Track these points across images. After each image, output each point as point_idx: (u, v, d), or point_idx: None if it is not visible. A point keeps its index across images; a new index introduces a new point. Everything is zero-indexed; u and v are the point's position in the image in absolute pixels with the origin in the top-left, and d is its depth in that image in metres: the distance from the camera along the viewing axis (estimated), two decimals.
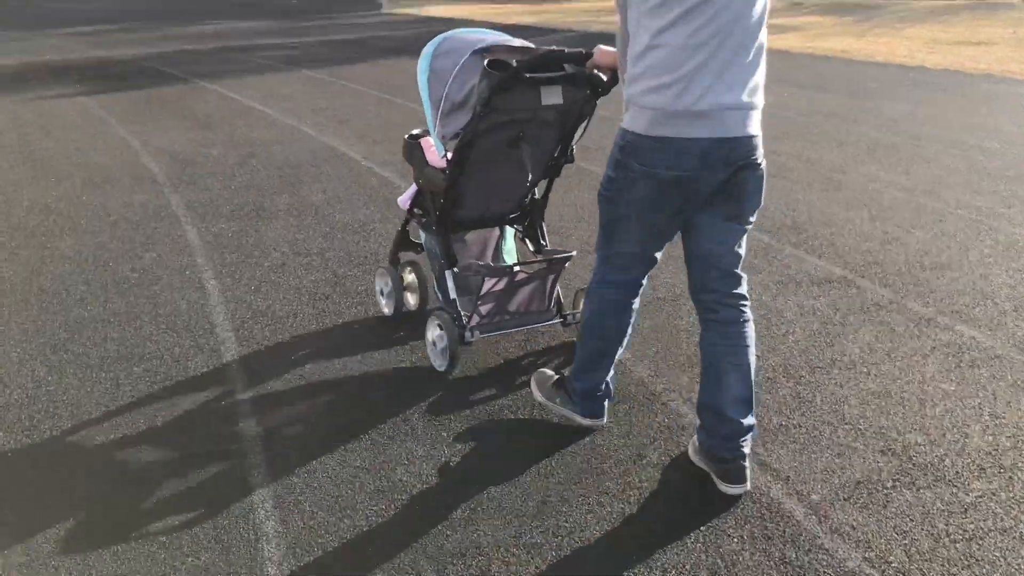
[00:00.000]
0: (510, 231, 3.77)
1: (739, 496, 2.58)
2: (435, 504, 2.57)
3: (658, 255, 2.70)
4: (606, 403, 2.96)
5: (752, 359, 2.65)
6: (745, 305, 2.67)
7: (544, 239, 3.63)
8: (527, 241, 3.67)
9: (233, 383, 3.32)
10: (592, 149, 5.99)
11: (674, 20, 2.37)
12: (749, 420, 2.64)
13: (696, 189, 2.49)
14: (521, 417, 3.07)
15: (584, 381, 2.89)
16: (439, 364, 3.39)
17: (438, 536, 2.42)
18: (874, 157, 6.79)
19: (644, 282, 2.77)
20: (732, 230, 2.59)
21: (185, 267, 4.55)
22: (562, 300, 3.54)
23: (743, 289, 2.67)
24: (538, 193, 3.63)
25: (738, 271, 2.66)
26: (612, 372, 2.91)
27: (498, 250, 3.76)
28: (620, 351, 2.87)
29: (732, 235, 2.60)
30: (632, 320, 2.82)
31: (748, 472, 2.61)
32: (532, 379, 3.14)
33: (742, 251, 2.64)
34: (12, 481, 2.69)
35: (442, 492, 2.63)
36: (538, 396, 3.07)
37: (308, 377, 3.37)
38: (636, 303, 2.79)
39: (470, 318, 3.34)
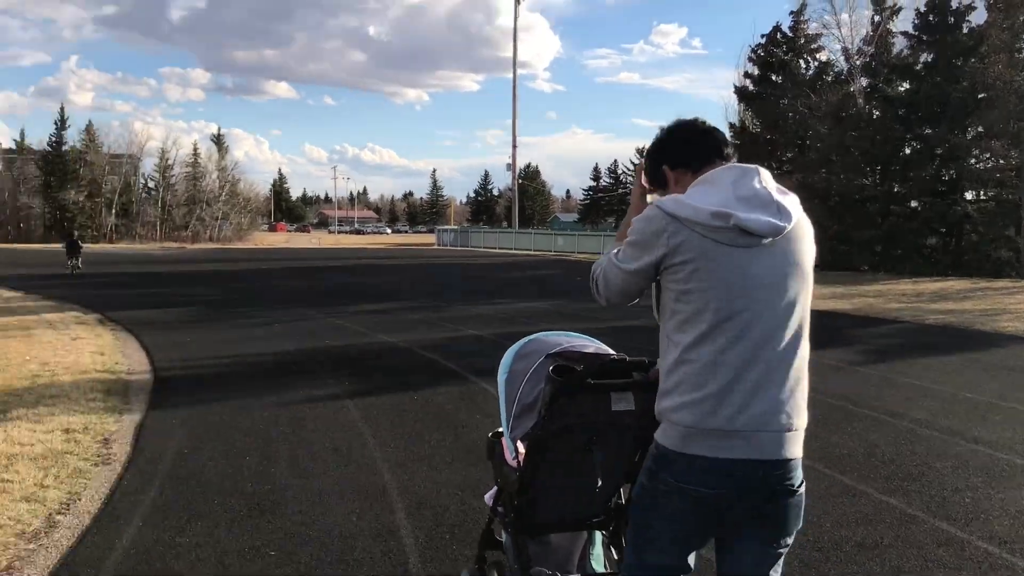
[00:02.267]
0: (599, 536, 3.64)
1: None
2: None
3: (684, 565, 2.58)
4: None
5: None
6: None
7: None
8: (612, 548, 3.56)
9: None
10: None
11: (702, 336, 2.42)
12: None
13: (730, 508, 2.44)
14: None
15: None
16: None
17: None
18: None
19: None
20: (768, 555, 2.55)
21: None
22: None
23: None
24: (623, 497, 3.44)
25: None
26: None
27: (585, 556, 3.63)
28: None
29: (768, 560, 2.55)
30: None
31: None
32: None
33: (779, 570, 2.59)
34: None
35: None
36: None
37: None
38: None
39: None
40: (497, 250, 60.61)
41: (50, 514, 5.37)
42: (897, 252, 32.58)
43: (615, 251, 2.66)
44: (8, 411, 8.08)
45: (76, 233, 38.22)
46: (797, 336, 2.46)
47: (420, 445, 7.07)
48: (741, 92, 42.41)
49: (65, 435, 7.29)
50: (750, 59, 42.32)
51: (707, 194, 2.48)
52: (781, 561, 2.59)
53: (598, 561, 3.66)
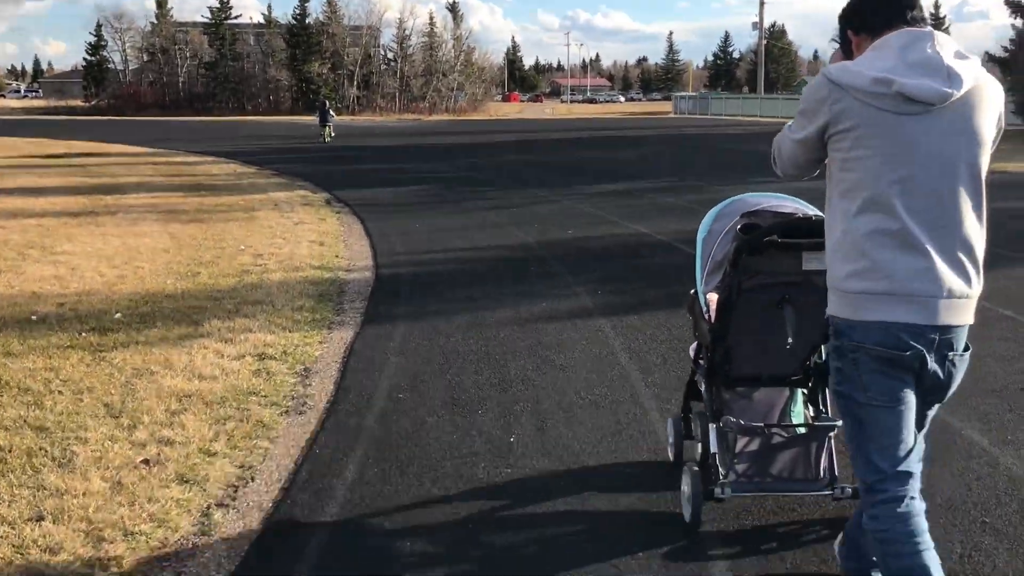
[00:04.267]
0: (799, 393, 3.67)
1: None
2: None
3: (916, 442, 2.58)
4: None
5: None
6: (915, 497, 2.57)
7: (825, 406, 3.56)
8: (808, 405, 3.64)
9: None
10: None
11: (866, 204, 2.44)
12: None
13: (912, 369, 2.48)
14: None
15: None
16: (686, 514, 3.46)
17: None
18: None
19: (917, 496, 2.56)
20: (926, 416, 2.65)
21: None
22: (836, 472, 3.40)
23: (917, 480, 2.58)
24: (822, 356, 3.48)
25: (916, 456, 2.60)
26: None
27: (786, 412, 3.65)
28: None
29: (922, 418, 2.63)
30: (926, 526, 2.54)
31: None
32: None
33: (924, 434, 2.68)
34: None
35: None
36: None
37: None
38: (921, 509, 2.55)
39: (725, 475, 3.37)
40: (740, 117, 56.46)
41: (207, 507, 3.81)
42: None
43: (790, 123, 2.67)
44: (201, 323, 6.73)
45: (328, 102, 37.71)
46: (966, 204, 2.45)
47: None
48: None
49: (258, 363, 5.81)
50: None
51: (875, 60, 2.48)
52: (927, 426, 2.69)
53: (798, 417, 3.67)
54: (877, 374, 2.48)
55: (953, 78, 2.42)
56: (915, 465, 2.57)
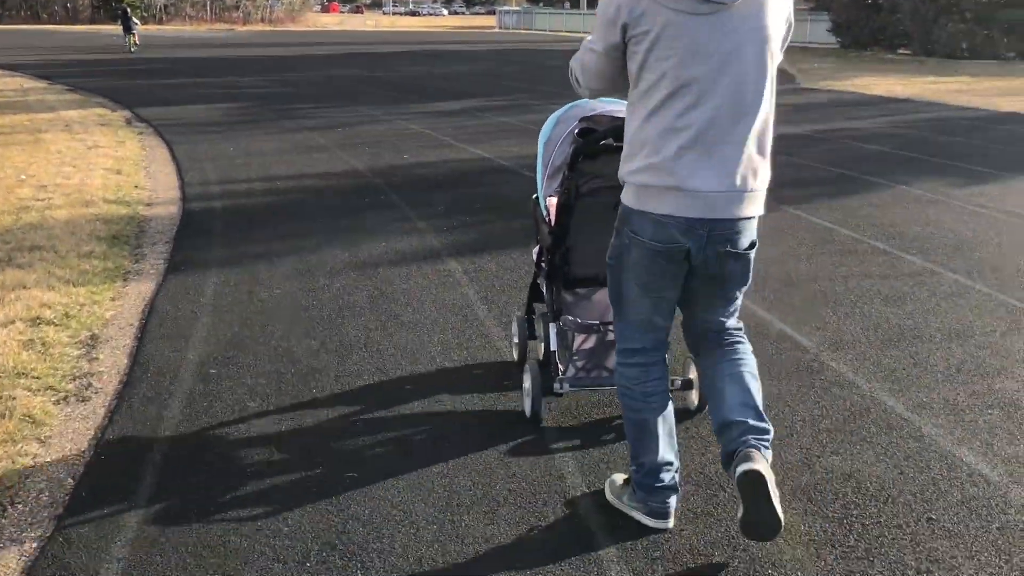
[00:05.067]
0: None
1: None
2: None
3: (665, 324, 2.83)
4: (671, 501, 2.84)
5: (753, 380, 2.78)
6: (739, 334, 2.87)
7: None
8: None
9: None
10: None
11: (661, 103, 2.55)
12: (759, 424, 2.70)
13: (684, 261, 2.65)
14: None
15: (639, 470, 2.83)
16: (526, 410, 3.62)
17: None
18: None
19: (664, 357, 2.89)
20: (716, 305, 2.81)
21: None
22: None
23: (734, 325, 2.87)
24: None
25: (728, 324, 2.85)
26: (676, 464, 2.86)
27: None
28: (671, 439, 2.84)
29: (717, 309, 2.82)
30: (662, 389, 2.86)
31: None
32: (606, 482, 3.09)
33: (734, 312, 2.86)
34: None
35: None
36: (609, 497, 3.02)
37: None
38: (660, 376, 2.86)
39: (564, 371, 3.59)
40: (565, 32, 55.92)
41: None
42: None
43: (588, 38, 2.73)
44: None
45: (129, 9, 35.72)
46: (756, 102, 2.56)
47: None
48: None
49: (31, 330, 4.66)
50: None
51: None
52: (733, 309, 2.84)
53: None
54: (645, 262, 2.68)
55: None
56: (663, 343, 2.89)
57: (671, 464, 2.84)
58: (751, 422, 2.69)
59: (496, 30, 66.85)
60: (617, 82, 2.76)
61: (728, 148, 2.54)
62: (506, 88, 20.00)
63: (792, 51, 28.15)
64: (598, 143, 3.15)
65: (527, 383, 3.60)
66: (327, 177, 9.14)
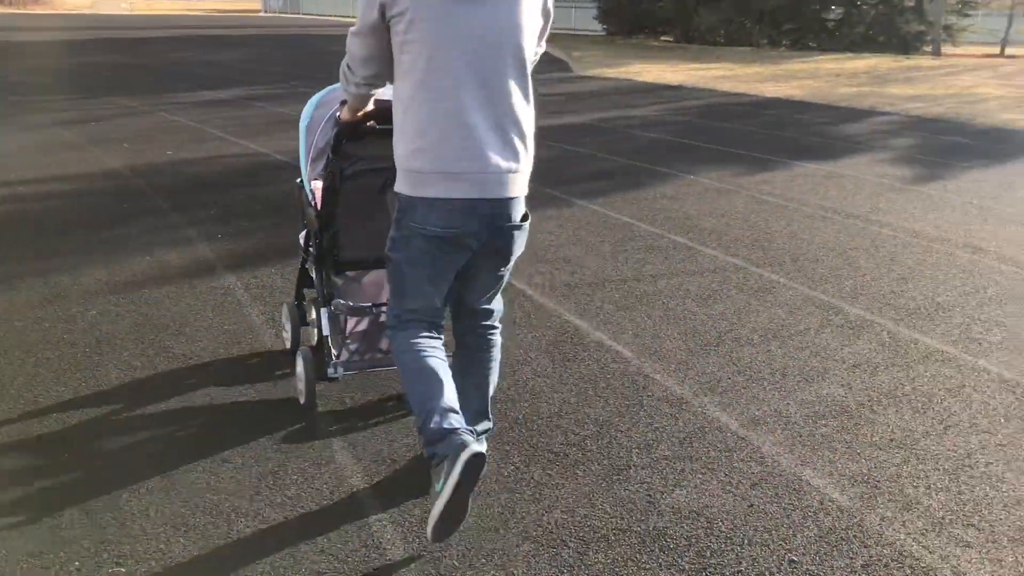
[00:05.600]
0: None
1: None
2: None
3: (440, 303, 2.84)
4: (469, 436, 2.61)
5: (492, 384, 3.00)
6: (494, 332, 2.98)
7: None
8: None
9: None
10: None
11: (419, 85, 2.56)
12: (484, 426, 2.99)
13: (465, 244, 2.67)
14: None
15: (428, 418, 2.66)
16: (300, 397, 3.60)
17: None
18: None
19: (440, 334, 2.88)
20: (493, 279, 2.86)
21: None
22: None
23: (495, 320, 2.98)
24: None
25: (491, 307, 2.95)
26: (462, 416, 2.72)
27: None
28: (454, 392, 2.74)
29: (495, 284, 2.89)
30: (440, 344, 2.85)
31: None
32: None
33: (498, 293, 2.94)
34: None
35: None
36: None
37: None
38: (438, 335, 2.86)
39: (338, 355, 3.55)
40: (333, 17, 54.53)
41: None
42: (796, 26, 29.80)
43: (352, 27, 2.72)
44: None
45: None
46: (513, 85, 2.60)
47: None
48: None
49: None
50: None
51: None
52: (503, 282, 2.92)
53: None
54: (427, 249, 2.67)
55: None
56: (440, 317, 2.88)
57: (457, 412, 2.71)
58: (479, 428, 2.96)
59: (262, 14, 64.28)
60: (383, 65, 2.72)
61: (491, 131, 2.57)
62: (279, 75, 18.94)
63: (563, 38, 28.73)
64: (362, 125, 3.08)
65: (300, 369, 3.57)
66: (80, 180, 8.07)
